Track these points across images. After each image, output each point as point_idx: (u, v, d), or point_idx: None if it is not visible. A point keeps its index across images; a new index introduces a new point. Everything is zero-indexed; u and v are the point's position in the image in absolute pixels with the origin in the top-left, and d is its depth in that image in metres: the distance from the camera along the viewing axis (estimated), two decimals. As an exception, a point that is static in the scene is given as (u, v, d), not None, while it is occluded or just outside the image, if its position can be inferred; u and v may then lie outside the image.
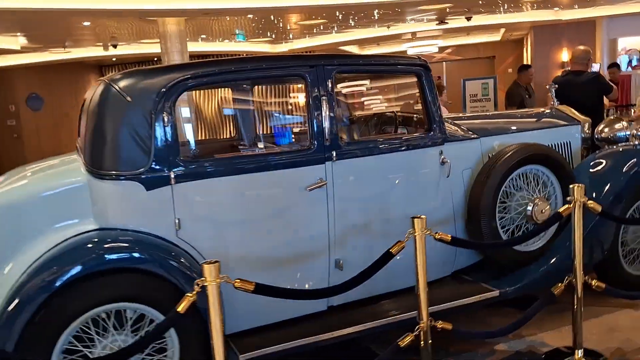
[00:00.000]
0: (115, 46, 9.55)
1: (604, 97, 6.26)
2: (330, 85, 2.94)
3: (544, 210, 3.52)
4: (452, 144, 3.49)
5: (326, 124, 2.94)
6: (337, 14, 8.16)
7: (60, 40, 9.25)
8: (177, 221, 2.64)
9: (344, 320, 3.06)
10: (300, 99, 2.94)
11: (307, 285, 3.05)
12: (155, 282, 2.48)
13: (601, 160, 3.86)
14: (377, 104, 4.04)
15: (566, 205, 2.90)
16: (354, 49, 16.48)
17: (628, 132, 4.18)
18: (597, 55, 12.48)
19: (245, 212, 2.82)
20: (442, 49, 17.28)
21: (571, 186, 2.91)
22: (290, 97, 3.11)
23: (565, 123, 4.22)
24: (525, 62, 14.14)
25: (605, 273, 3.83)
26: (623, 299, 3.60)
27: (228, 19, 8.18)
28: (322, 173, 2.95)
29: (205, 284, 1.98)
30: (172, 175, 2.61)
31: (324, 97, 2.92)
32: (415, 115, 3.59)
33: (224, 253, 2.74)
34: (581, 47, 6.03)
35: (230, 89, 3.00)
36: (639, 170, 3.67)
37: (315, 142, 2.93)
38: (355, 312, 3.17)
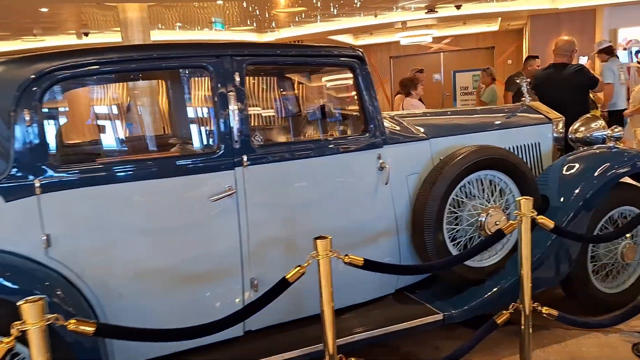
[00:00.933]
0: (86, 34, 9.15)
1: (591, 92, 5.80)
2: (239, 79, 2.53)
3: (498, 222, 3.11)
4: (394, 146, 3.07)
5: (235, 124, 2.53)
6: (315, 1, 7.71)
7: (28, 29, 8.88)
8: (45, 237, 2.24)
9: (262, 348, 2.68)
10: (206, 94, 2.53)
11: (217, 309, 2.65)
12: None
13: (572, 164, 3.43)
14: (307, 102, 3.60)
15: (510, 222, 2.48)
16: (349, 39, 16.02)
17: (605, 133, 3.75)
18: (597, 46, 11.92)
19: (134, 227, 2.41)
20: (439, 39, 16.77)
21: (517, 199, 2.49)
22: (195, 92, 2.68)
23: (535, 122, 3.79)
24: (524, 53, 13.61)
25: (573, 290, 3.43)
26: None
27: (196, 4, 7.74)
28: (230, 180, 2.54)
29: (25, 328, 1.59)
30: (38, 184, 2.21)
31: (231, 93, 2.51)
32: (350, 115, 3.16)
33: (107, 274, 2.35)
34: (565, 37, 5.57)
35: (117, 83, 2.59)
36: (612, 176, 3.25)
37: (222, 145, 2.52)
38: (278, 337, 2.78)
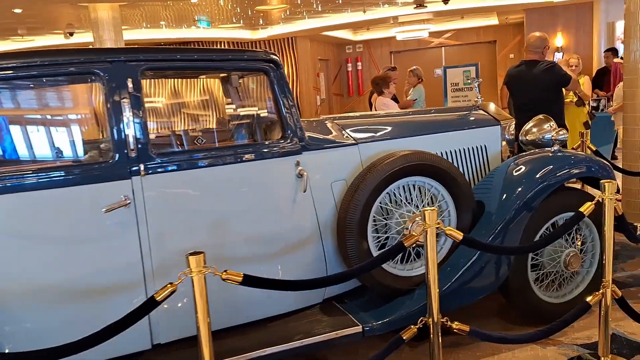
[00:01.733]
0: (71, 34, 9.14)
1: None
2: (134, 85, 2.43)
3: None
4: (316, 152, 2.96)
5: (130, 132, 2.44)
6: (296, -3, 7.58)
7: (12, 29, 8.89)
8: None
9: (170, 362, 2.60)
10: (101, 101, 2.44)
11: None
12: None
13: (512, 168, 3.28)
14: (222, 107, 3.48)
15: (412, 235, 2.36)
16: (348, 34, 15.85)
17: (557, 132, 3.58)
18: (595, 40, 11.62)
19: (23, 240, 2.33)
20: (439, 34, 16.50)
21: (422, 210, 2.36)
22: (90, 99, 2.60)
23: (481, 124, 3.64)
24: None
25: (513, 300, 3.30)
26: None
27: (170, 3, 7.64)
28: (126, 190, 2.45)
29: None
30: None
31: (125, 100, 2.42)
32: (267, 120, 3.05)
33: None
34: (536, 34, 5.37)
35: (7, 90, 2.49)
36: (547, 182, 3.10)
37: (117, 154, 2.43)
38: (187, 350, 2.69)
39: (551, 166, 3.15)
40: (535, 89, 5.15)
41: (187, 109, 3.36)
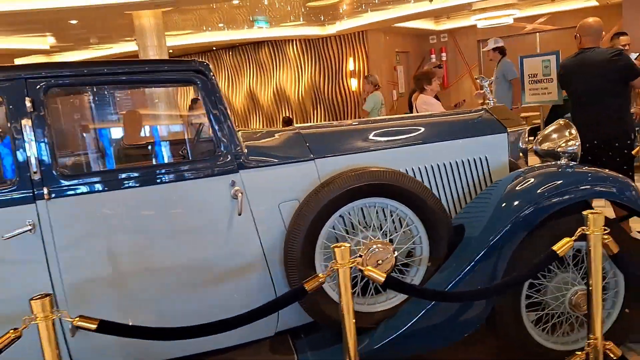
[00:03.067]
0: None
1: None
2: (36, 104, 2.27)
3: (382, 260, 2.55)
4: (259, 170, 2.63)
5: (33, 153, 2.28)
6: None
7: (84, 38, 9.40)
8: None
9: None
10: (4, 122, 2.31)
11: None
12: None
13: (511, 185, 2.73)
14: (145, 122, 3.20)
15: (317, 277, 1.96)
16: (429, 24, 15.08)
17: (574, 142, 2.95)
18: None
19: None
20: (532, 19, 15.15)
21: (332, 246, 1.96)
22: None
23: (480, 132, 3.09)
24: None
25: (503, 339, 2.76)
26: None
27: (214, 6, 7.56)
28: (30, 215, 2.30)
29: None
30: None
31: (26, 119, 2.26)
32: (198, 136, 2.76)
33: None
34: (590, 19, 4.58)
35: None
36: (544, 203, 2.53)
37: (19, 177, 2.29)
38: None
39: (548, 185, 2.55)
40: (599, 79, 4.37)
41: (109, 124, 3.17)
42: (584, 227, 2.03)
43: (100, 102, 2.87)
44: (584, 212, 2.05)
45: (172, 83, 2.61)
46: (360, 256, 2.57)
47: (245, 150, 2.59)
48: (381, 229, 2.69)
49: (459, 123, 3.14)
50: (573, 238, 2.05)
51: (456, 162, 3.00)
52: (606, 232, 2.03)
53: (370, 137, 2.95)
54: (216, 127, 2.51)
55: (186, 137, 2.82)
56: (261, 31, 12.25)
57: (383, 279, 1.98)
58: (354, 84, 12.89)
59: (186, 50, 14.33)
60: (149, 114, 3.00)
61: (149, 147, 2.84)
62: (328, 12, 9.89)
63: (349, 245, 1.97)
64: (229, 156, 2.54)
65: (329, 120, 13.50)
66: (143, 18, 6.89)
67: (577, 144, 2.83)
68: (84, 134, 2.93)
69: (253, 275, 2.64)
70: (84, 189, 2.36)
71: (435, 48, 16.25)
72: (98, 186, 2.38)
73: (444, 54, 16.29)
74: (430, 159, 2.94)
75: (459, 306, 2.50)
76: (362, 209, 2.67)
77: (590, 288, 2.06)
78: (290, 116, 13.09)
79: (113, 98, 3.05)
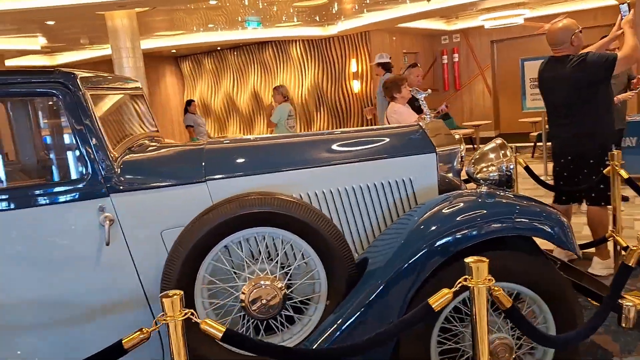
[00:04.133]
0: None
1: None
2: None
3: (266, 298, 2.26)
4: (137, 193, 2.36)
5: None
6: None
7: (74, 39, 9.28)
8: None
9: None
10: None
11: None
12: None
13: (424, 214, 2.39)
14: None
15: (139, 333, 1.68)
16: (439, 24, 14.63)
17: (507, 166, 2.60)
18: None
19: None
20: (548, 18, 14.54)
21: (160, 295, 1.68)
22: None
23: (403, 151, 2.74)
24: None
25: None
26: None
27: (191, 6, 7.32)
28: None
29: None
30: None
31: None
32: (62, 156, 2.50)
33: None
34: (558, 24, 4.20)
35: None
36: (441, 241, 2.19)
37: None
38: None
39: (453, 220, 2.21)
40: (566, 90, 4.03)
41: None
42: (467, 277, 1.70)
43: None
44: (467, 260, 1.71)
45: (29, 96, 2.35)
46: (244, 293, 2.28)
47: (119, 171, 2.32)
48: (279, 262, 2.39)
49: (383, 140, 2.80)
50: (452, 290, 1.72)
51: (374, 185, 2.67)
52: (491, 281, 1.69)
53: (278, 155, 2.65)
54: (80, 146, 2.25)
55: (53, 156, 2.57)
56: (265, 31, 12.03)
57: (220, 334, 1.68)
58: (356, 85, 12.54)
59: (192, 49, 14.22)
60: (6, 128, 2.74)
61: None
62: (320, 13, 9.58)
63: (180, 293, 1.68)
64: (97, 178, 2.27)
65: (333, 124, 13.18)
66: (116, 19, 6.73)
67: (504, 167, 2.48)
68: None
69: (131, 311, 2.37)
70: None
71: (447, 49, 15.77)
72: None
73: (456, 55, 15.80)
74: (344, 181, 2.63)
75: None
76: (249, 239, 2.37)
77: (476, 346, 1.73)
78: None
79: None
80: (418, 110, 5.81)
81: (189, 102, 10.46)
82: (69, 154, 2.31)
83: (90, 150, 2.26)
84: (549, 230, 2.19)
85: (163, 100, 15.34)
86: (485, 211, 2.21)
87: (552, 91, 4.20)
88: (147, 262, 2.37)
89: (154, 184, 2.40)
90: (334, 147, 2.73)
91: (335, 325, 2.21)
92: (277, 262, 2.35)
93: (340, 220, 2.64)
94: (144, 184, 2.38)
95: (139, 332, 1.63)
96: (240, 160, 2.59)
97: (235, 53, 14.54)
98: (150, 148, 2.62)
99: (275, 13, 8.90)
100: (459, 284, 1.70)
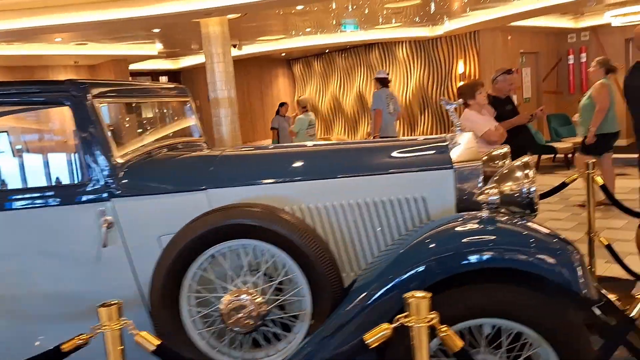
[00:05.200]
0: (234, 46, 9.80)
1: None
2: None
3: (245, 312, 2.23)
4: (138, 199, 2.46)
5: None
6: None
7: (187, 44, 9.93)
8: None
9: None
10: None
11: None
12: None
13: (420, 238, 2.21)
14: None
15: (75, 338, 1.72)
16: (563, 21, 13.47)
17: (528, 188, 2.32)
18: None
19: None
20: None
21: (97, 306, 1.72)
22: None
23: (416, 166, 2.55)
24: None
25: None
26: None
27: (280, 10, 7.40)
28: None
29: None
30: None
31: None
32: (67, 159, 2.63)
33: None
34: None
35: None
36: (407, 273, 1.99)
37: None
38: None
39: (439, 247, 2.00)
40: None
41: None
42: (407, 314, 1.52)
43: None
44: (405, 295, 1.53)
45: (44, 104, 2.54)
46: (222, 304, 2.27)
47: (121, 177, 2.44)
48: (268, 276, 2.36)
49: (396, 153, 2.63)
50: (393, 325, 1.55)
51: (382, 202, 2.51)
52: (432, 321, 1.50)
53: (282, 166, 2.61)
54: (83, 152, 2.39)
55: (66, 160, 2.74)
56: (372, 33, 11.97)
57: (152, 347, 1.68)
58: (463, 88, 11.97)
59: (304, 52, 14.57)
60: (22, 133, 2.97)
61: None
62: (418, 13, 9.27)
63: (119, 303, 1.71)
64: (100, 182, 2.40)
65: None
66: (210, 26, 7.08)
67: (525, 190, 2.20)
68: None
69: (127, 312, 2.47)
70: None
71: (575, 48, 14.45)
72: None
73: (583, 55, 14.43)
74: (348, 196, 2.50)
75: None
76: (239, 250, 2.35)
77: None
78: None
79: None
80: (507, 114, 5.40)
81: (281, 104, 10.63)
82: (75, 159, 2.47)
83: (94, 157, 2.40)
84: (545, 262, 1.89)
85: (274, 101, 15.90)
86: (468, 239, 1.98)
87: (635, 100, 3.66)
88: (145, 265, 2.46)
89: (154, 191, 2.49)
90: (342, 159, 2.63)
91: (311, 347, 2.12)
92: (261, 275, 2.31)
93: (343, 237, 2.52)
94: (145, 190, 2.47)
95: (76, 338, 1.69)
96: (242, 170, 2.58)
97: (343, 55, 14.64)
98: (160, 155, 2.71)
99: (369, 15, 8.81)
100: (397, 320, 1.53)
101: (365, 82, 14.29)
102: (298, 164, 2.61)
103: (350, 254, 2.52)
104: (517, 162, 2.43)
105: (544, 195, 4.75)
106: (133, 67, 12.01)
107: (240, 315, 2.22)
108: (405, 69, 13.22)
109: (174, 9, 6.27)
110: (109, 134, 2.45)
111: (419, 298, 1.51)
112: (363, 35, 12.24)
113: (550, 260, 1.91)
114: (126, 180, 2.45)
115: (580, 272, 1.91)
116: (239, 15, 7.17)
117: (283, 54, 14.16)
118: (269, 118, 11.65)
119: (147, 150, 2.77)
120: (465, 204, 2.49)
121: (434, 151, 2.60)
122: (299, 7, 7.20)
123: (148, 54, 10.55)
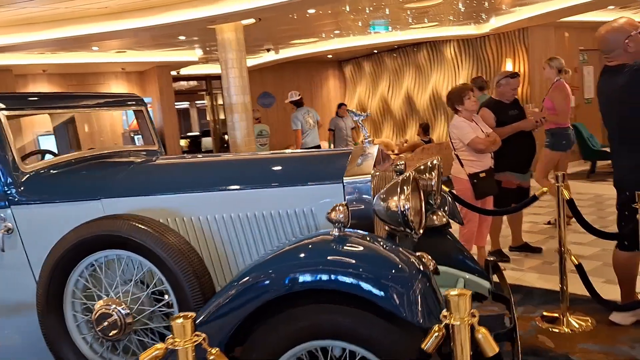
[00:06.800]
0: (268, 50, 9.93)
1: None
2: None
3: (108, 322, 2.27)
4: (37, 206, 2.58)
5: None
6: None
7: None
8: None
9: None
10: None
11: None
12: None
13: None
14: None
15: None
16: (630, 16, 12.45)
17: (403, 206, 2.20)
18: None
19: None
20: None
21: None
22: None
23: (304, 179, 2.47)
24: None
25: None
26: None
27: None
28: None
29: None
30: None
31: None
32: None
33: None
34: (609, 25, 3.32)
35: None
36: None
37: None
38: None
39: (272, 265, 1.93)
40: (618, 106, 3.21)
41: None
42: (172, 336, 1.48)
43: None
44: (172, 318, 1.48)
45: None
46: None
47: (21, 185, 2.56)
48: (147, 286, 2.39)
49: (292, 165, 2.57)
50: (165, 346, 1.51)
51: (270, 214, 2.47)
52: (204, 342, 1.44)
53: (176, 178, 2.64)
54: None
55: None
56: (420, 31, 11.69)
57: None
58: (510, 87, 11.37)
59: (353, 52, 14.47)
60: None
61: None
62: (469, 10, 8.90)
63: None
64: (-4, 188, 2.54)
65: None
66: (225, 32, 7.20)
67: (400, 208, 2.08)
68: None
69: (27, 317, 2.58)
70: None
71: (647, 43, 13.32)
72: None
73: (656, 50, 13.25)
74: (237, 208, 2.48)
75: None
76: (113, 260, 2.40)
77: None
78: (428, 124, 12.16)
79: None
80: (511, 120, 5.07)
81: (340, 105, 10.56)
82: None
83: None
84: (374, 287, 1.77)
85: (324, 102, 15.94)
86: (298, 260, 1.90)
87: (607, 109, 3.33)
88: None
89: (53, 199, 2.59)
90: (236, 171, 2.61)
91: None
92: (132, 286, 2.34)
93: (233, 249, 2.50)
94: (44, 198, 2.58)
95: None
96: (138, 181, 2.63)
97: (393, 55, 14.39)
98: (65, 164, 2.81)
99: (393, 15, 8.59)
100: (168, 342, 1.50)
101: (414, 84, 13.97)
102: (193, 175, 2.62)
103: (240, 265, 2.50)
104: (402, 177, 2.30)
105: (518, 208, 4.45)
106: (183, 72, 12.51)
107: (105, 324, 2.26)
108: (452, 67, 12.79)
109: (183, 17, 6.47)
110: (12, 144, 2.58)
111: (184, 318, 1.47)
112: (412, 34, 11.98)
113: (381, 285, 1.79)
114: (26, 188, 2.57)
115: (409, 298, 1.78)
116: (254, 20, 7.25)
117: (329, 56, 14.14)
118: (321, 120, 11.67)
119: (67, 160, 2.89)
120: (355, 217, 2.39)
121: (332, 164, 2.53)
122: (311, 11, 7.18)
123: (189, 60, 10.93)
